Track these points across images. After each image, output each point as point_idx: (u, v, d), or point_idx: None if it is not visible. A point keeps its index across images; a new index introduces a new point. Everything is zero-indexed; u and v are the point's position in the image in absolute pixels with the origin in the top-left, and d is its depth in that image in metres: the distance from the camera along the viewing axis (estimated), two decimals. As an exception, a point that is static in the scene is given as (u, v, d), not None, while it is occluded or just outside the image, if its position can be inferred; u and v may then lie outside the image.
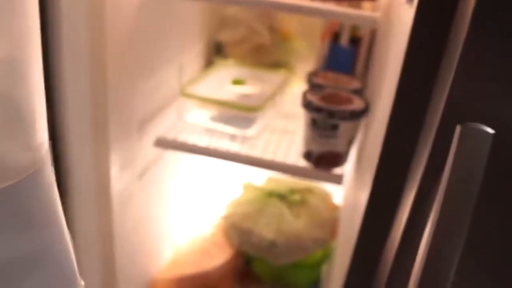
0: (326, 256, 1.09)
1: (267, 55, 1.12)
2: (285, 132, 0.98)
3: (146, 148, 0.89)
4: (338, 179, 0.82)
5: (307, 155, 0.84)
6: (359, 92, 0.89)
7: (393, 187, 0.50)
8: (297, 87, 1.13)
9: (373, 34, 0.97)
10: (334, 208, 1.10)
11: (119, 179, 0.81)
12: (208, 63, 1.14)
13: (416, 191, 0.44)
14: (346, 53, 0.96)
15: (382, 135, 0.50)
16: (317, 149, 0.82)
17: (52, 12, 0.58)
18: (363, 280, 0.57)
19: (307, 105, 0.79)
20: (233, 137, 0.87)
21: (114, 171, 0.79)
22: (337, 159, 0.82)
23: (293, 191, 1.09)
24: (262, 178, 1.18)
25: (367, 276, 0.56)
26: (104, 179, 0.78)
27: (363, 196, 0.58)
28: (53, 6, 0.58)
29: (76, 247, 0.74)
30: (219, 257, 1.07)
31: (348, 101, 0.81)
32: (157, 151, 0.92)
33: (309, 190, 1.11)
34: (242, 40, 1.10)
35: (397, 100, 0.48)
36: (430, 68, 0.45)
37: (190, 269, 1.08)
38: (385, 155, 0.51)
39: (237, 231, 1.05)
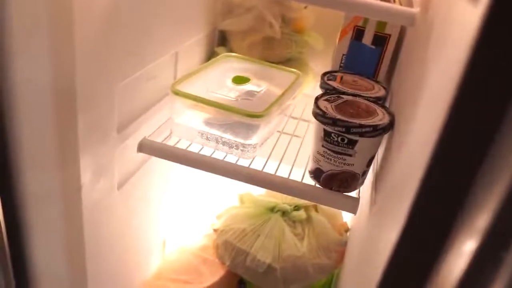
0: (329, 284, 0.96)
1: (277, 50, 0.98)
2: (292, 142, 0.84)
3: (129, 153, 0.76)
4: (352, 207, 0.68)
5: (316, 173, 0.70)
6: (382, 101, 0.75)
7: (433, 232, 0.38)
8: (310, 88, 0.99)
9: (401, 33, 0.82)
10: (343, 228, 0.97)
11: (92, 189, 0.68)
12: (210, 56, 1.01)
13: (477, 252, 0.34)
14: (371, 53, 0.82)
15: (423, 163, 0.37)
16: (328, 167, 0.68)
17: None
18: None
19: (320, 115, 0.65)
20: (230, 146, 0.74)
21: (86, 179, 0.66)
22: (352, 181, 0.69)
23: (297, 206, 0.96)
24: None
25: None
26: (72, 189, 0.65)
27: (389, 232, 0.45)
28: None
29: (37, 272, 0.58)
30: (209, 277, 0.94)
31: (370, 112, 0.68)
32: (143, 155, 0.79)
33: (315, 206, 0.97)
34: (250, 30, 0.96)
35: (450, 127, 0.35)
36: (504, 88, 0.32)
37: (176, 287, 0.95)
38: (427, 190, 0.38)
39: (230, 250, 0.91)
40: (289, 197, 0.98)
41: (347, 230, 0.98)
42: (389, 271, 0.44)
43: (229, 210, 1.01)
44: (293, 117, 0.94)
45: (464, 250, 0.36)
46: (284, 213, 0.95)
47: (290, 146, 0.84)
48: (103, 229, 0.75)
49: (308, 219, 0.94)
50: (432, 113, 0.39)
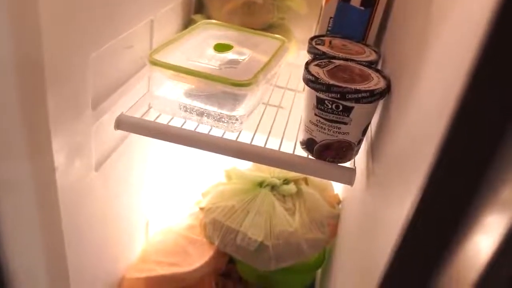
0: (322, 259, 0.93)
1: (258, 16, 0.92)
2: (279, 112, 0.79)
3: (106, 131, 0.70)
4: (349, 179, 0.64)
5: (308, 144, 0.66)
6: (375, 65, 0.71)
7: (453, 205, 0.35)
8: (293, 55, 0.94)
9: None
10: (335, 200, 0.93)
11: (67, 171, 0.63)
12: (187, 24, 0.95)
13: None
14: (360, 14, 0.77)
15: (441, 128, 0.33)
16: (321, 137, 0.64)
17: None
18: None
19: (312, 81, 0.60)
20: (215, 119, 0.69)
21: (60, 161, 0.60)
22: (347, 150, 0.65)
23: (287, 179, 0.92)
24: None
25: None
26: (46, 172, 0.59)
27: (397, 205, 0.42)
28: None
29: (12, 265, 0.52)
30: (198, 258, 0.90)
31: (364, 77, 0.63)
32: (121, 132, 0.74)
33: (305, 179, 0.93)
34: (229, -5, 0.90)
35: (473, 83, 0.31)
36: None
37: (163, 270, 0.91)
38: (446, 156, 0.34)
39: (219, 229, 0.87)
40: (277, 170, 0.94)
41: (339, 202, 0.94)
42: (401, 249, 0.40)
43: (216, 186, 0.96)
44: (278, 86, 0.89)
45: (490, 225, 0.32)
46: (273, 187, 0.90)
47: (277, 117, 0.79)
48: (82, 214, 0.70)
49: (299, 192, 0.90)
50: (450, 72, 0.35)
